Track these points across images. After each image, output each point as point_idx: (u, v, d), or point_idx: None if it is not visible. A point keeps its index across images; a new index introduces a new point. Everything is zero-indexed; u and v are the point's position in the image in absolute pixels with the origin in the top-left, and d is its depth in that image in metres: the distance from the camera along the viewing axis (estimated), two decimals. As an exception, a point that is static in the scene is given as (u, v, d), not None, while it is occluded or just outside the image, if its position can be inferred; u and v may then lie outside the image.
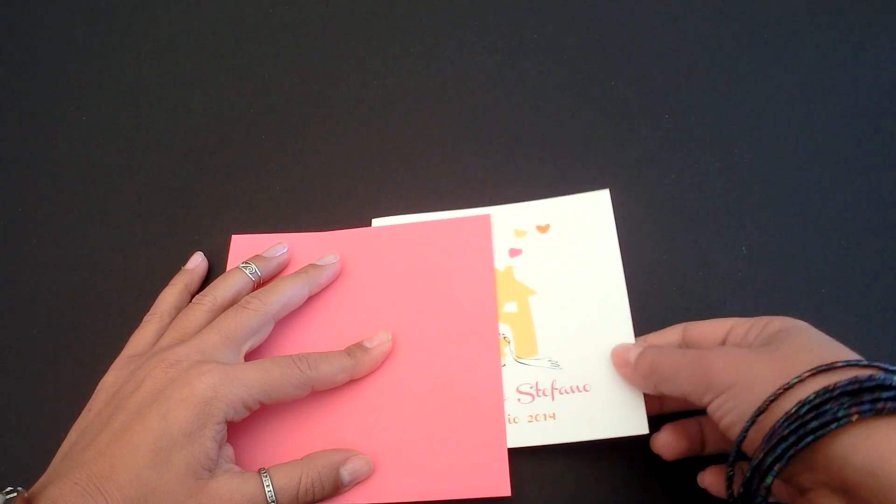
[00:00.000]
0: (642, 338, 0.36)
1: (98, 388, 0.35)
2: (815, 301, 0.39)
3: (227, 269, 0.41)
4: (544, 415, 0.35)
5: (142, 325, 0.38)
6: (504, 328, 0.38)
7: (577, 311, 0.38)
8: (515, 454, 0.35)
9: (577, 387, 0.36)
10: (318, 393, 0.36)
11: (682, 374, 0.31)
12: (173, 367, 0.32)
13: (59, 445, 0.33)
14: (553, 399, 0.36)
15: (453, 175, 0.45)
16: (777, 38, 0.49)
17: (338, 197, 0.44)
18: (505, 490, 0.34)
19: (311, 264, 0.40)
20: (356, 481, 0.34)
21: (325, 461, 0.34)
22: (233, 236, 0.43)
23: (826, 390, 0.25)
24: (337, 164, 0.46)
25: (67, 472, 0.30)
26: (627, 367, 0.35)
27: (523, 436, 0.35)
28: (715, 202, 0.43)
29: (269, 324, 0.37)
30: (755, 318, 0.32)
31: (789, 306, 0.39)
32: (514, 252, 0.41)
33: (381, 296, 0.40)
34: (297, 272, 0.39)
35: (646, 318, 0.38)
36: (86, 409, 0.34)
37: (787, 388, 0.26)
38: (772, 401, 0.26)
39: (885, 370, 0.26)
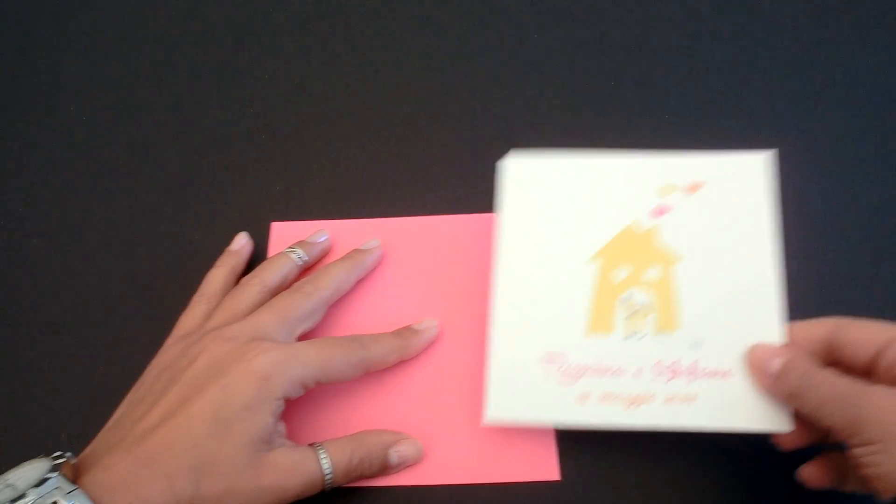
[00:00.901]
0: (786, 326, 0.34)
1: (149, 367, 0.35)
2: (816, 301, 0.39)
3: (269, 256, 0.42)
4: (682, 395, 0.33)
5: (190, 306, 0.38)
6: (644, 296, 0.35)
7: (726, 288, 0.35)
8: (563, 439, 0.35)
9: (719, 370, 0.33)
10: (368, 375, 0.37)
11: (829, 408, 0.29)
12: (229, 343, 0.32)
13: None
14: (693, 381, 0.33)
15: (453, 176, 0.45)
16: (777, 38, 0.49)
17: (338, 197, 0.44)
18: (553, 474, 0.35)
19: (355, 249, 0.40)
20: (404, 464, 0.34)
21: (376, 441, 0.34)
22: (273, 223, 0.43)
23: None
24: (337, 164, 0.46)
25: (120, 441, 0.30)
26: (767, 378, 0.32)
27: (658, 416, 0.33)
28: (715, 202, 0.43)
29: (321, 308, 0.37)
30: None
31: (790, 306, 0.39)
32: (659, 211, 0.37)
33: (425, 283, 0.40)
34: (344, 258, 0.39)
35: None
36: (136, 385, 0.34)
37: None
38: None
39: None
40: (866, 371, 0.31)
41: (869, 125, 0.45)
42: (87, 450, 0.31)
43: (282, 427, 0.33)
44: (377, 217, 0.43)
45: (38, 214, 0.46)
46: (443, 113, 0.47)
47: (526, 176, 0.39)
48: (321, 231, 0.42)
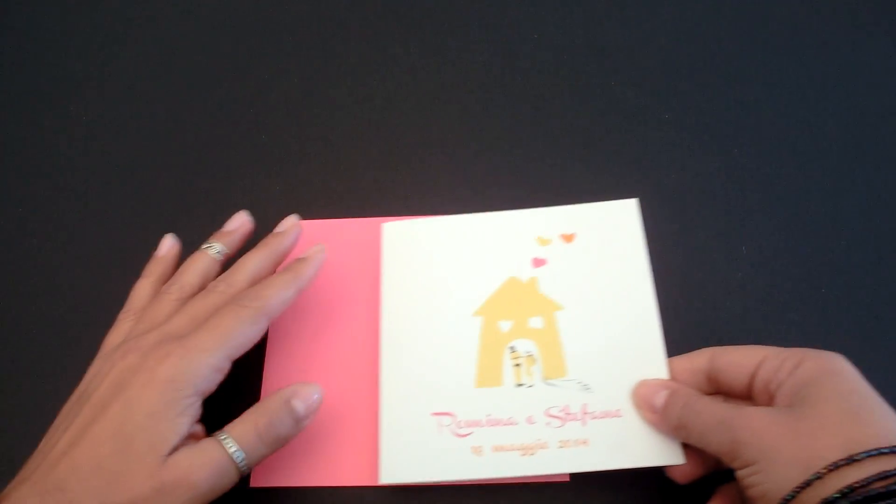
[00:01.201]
0: (668, 361, 0.35)
1: (74, 391, 0.35)
2: (815, 301, 0.40)
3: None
4: (575, 440, 0.34)
5: (116, 323, 0.37)
6: (530, 345, 0.36)
7: (608, 330, 0.36)
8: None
9: (609, 412, 0.34)
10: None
11: (710, 435, 0.30)
12: (133, 354, 0.32)
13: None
14: (584, 424, 0.34)
15: (453, 176, 0.45)
16: (777, 38, 0.49)
17: (338, 197, 0.44)
18: (563, 475, 0.35)
19: (271, 234, 0.39)
20: (312, 409, 0.33)
21: (275, 400, 0.33)
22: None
23: (851, 488, 0.25)
24: (337, 164, 0.46)
25: (30, 474, 0.29)
26: (653, 413, 0.34)
27: (555, 463, 0.34)
28: (715, 202, 0.43)
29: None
30: (787, 353, 0.31)
31: (789, 306, 0.39)
32: (538, 262, 0.38)
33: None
34: (259, 246, 0.38)
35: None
36: (60, 411, 0.34)
37: (810, 483, 0.26)
38: (796, 493, 0.26)
39: None
40: (746, 394, 0.32)
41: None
42: (10, 485, 0.30)
43: (198, 428, 0.33)
44: (378, 216, 0.43)
45: (38, 214, 0.46)
46: (443, 112, 0.47)
47: (404, 239, 0.40)
48: (241, 212, 0.40)
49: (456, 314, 0.38)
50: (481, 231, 0.40)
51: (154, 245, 0.43)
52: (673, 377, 0.35)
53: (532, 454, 0.34)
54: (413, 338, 0.37)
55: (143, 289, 0.38)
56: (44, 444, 0.32)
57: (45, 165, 0.47)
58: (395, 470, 0.34)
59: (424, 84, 0.49)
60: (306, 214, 0.44)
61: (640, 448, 0.33)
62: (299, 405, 0.33)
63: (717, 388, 0.34)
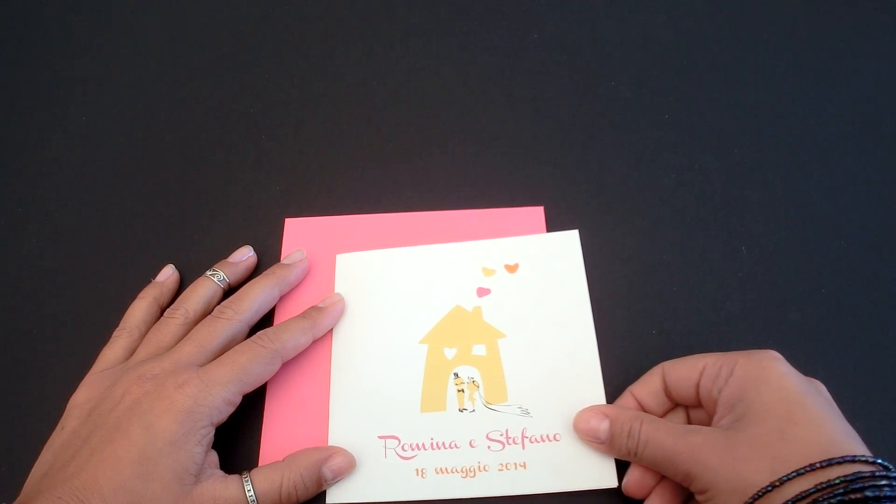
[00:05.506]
0: (628, 389, 0.35)
1: (69, 405, 0.35)
2: (815, 301, 0.40)
3: (283, 253, 0.42)
4: (514, 464, 0.35)
5: (111, 340, 0.38)
6: (473, 372, 0.37)
7: (548, 357, 0.37)
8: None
9: (548, 436, 0.35)
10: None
11: (662, 467, 0.31)
12: (149, 382, 0.33)
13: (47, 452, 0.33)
14: (523, 448, 0.35)
15: (453, 175, 0.45)
16: (777, 38, 0.49)
17: (338, 197, 0.44)
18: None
19: (278, 264, 0.40)
20: (338, 478, 0.35)
21: (307, 461, 0.34)
22: (286, 220, 0.43)
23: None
24: (337, 164, 0.46)
25: (49, 488, 0.29)
26: (600, 445, 0.34)
27: (493, 485, 0.34)
28: (715, 202, 0.43)
29: (243, 331, 0.37)
30: (722, 360, 0.31)
31: (789, 306, 0.39)
32: (482, 292, 0.40)
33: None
34: (266, 274, 0.39)
35: (646, 318, 0.39)
36: (58, 427, 0.34)
37: None
38: None
39: (855, 464, 0.26)
40: (698, 404, 0.33)
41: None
42: (17, 500, 0.31)
43: (213, 457, 0.34)
44: (380, 213, 0.43)
45: (38, 214, 0.46)
46: (441, 111, 0.47)
47: (356, 269, 0.41)
48: (246, 248, 0.42)
49: (403, 341, 0.39)
50: (429, 262, 0.41)
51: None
52: (636, 403, 0.35)
53: (473, 477, 0.35)
54: (362, 363, 0.38)
55: (139, 308, 0.39)
56: (53, 461, 0.32)
57: (45, 165, 0.47)
58: (342, 491, 0.35)
59: (424, 84, 0.49)
60: (306, 214, 0.44)
61: (576, 472, 0.34)
62: (328, 474, 0.34)
63: (676, 403, 0.34)
